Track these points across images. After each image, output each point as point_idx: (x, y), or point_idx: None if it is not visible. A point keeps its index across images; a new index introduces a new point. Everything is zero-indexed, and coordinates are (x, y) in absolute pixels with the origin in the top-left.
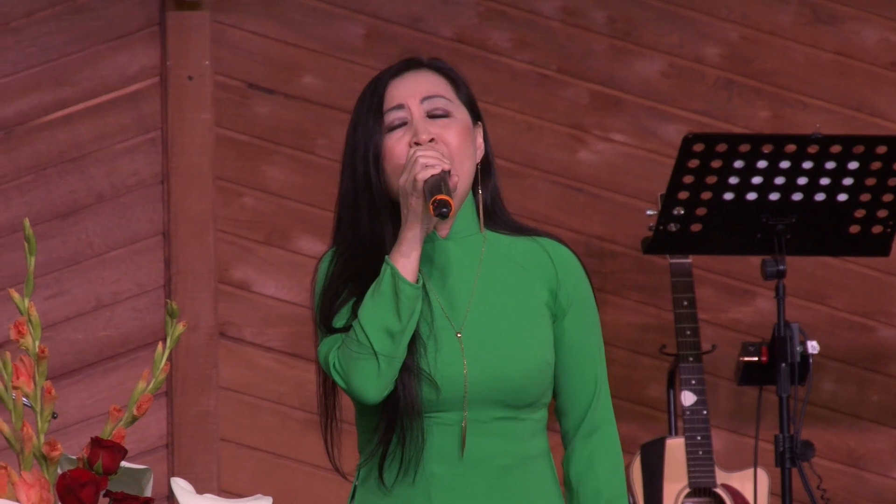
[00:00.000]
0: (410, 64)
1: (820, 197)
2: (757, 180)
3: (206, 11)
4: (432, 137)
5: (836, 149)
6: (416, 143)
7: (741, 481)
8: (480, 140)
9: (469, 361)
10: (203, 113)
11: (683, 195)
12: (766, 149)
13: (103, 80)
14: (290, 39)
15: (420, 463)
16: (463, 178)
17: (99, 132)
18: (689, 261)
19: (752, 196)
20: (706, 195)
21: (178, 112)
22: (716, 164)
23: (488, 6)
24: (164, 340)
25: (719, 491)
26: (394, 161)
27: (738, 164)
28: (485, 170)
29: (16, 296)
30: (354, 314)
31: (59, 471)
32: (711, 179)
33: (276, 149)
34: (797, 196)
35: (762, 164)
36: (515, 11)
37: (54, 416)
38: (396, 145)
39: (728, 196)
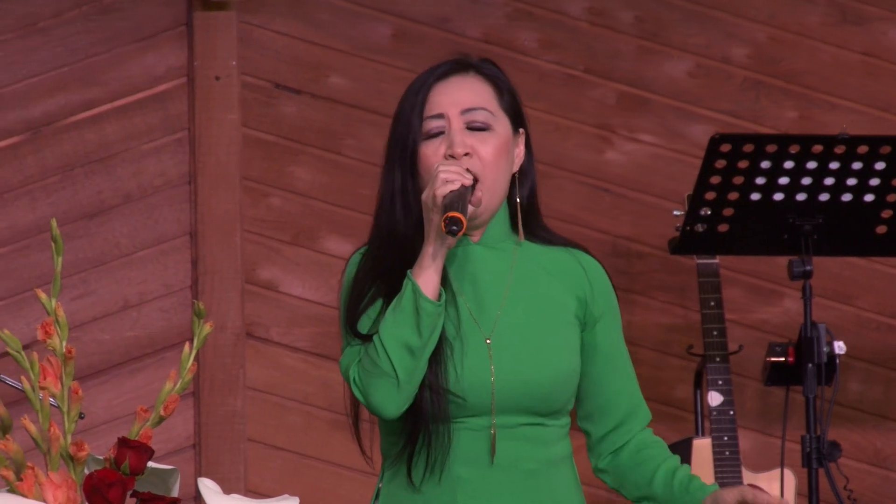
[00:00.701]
0: (458, 66)
1: (847, 197)
2: (784, 181)
3: (233, 12)
4: (467, 151)
5: (862, 149)
6: (450, 156)
7: (768, 482)
8: (521, 149)
9: (497, 368)
10: (230, 113)
11: (710, 196)
12: (793, 149)
13: (131, 81)
14: (317, 39)
15: (446, 465)
16: (496, 191)
17: (126, 132)
18: (716, 261)
19: (778, 196)
20: (733, 196)
21: (205, 112)
22: (743, 164)
23: (516, 7)
24: (191, 341)
25: None
26: (429, 168)
27: (765, 164)
28: (523, 177)
29: (43, 296)
30: (376, 319)
31: (86, 471)
32: (738, 180)
33: (303, 149)
34: (824, 196)
35: (789, 164)
36: (543, 12)
37: (81, 416)
38: (433, 154)
39: (755, 196)
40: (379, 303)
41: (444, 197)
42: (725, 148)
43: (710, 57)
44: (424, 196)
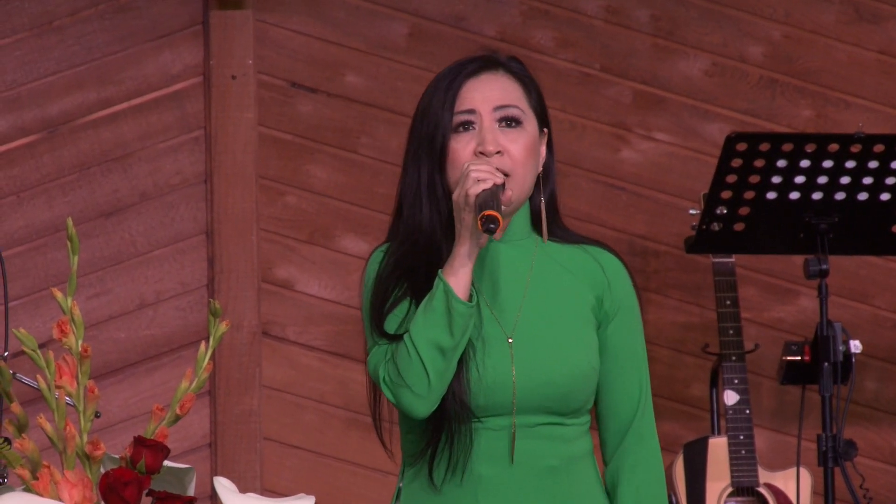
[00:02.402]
0: (488, 63)
1: (863, 196)
2: (800, 179)
3: (249, 10)
4: (499, 150)
5: (879, 148)
6: (481, 153)
7: (784, 480)
8: (544, 149)
9: (518, 367)
10: (246, 112)
11: (726, 194)
12: (809, 148)
13: (147, 79)
14: (333, 38)
15: (468, 464)
16: (522, 189)
17: (142, 131)
18: (731, 260)
19: (794, 195)
20: (749, 194)
21: (221, 111)
22: (759, 163)
23: (531, 5)
24: (207, 339)
25: (762, 490)
26: (457, 165)
27: (781, 163)
28: (545, 177)
29: (59, 295)
30: (403, 320)
31: (102, 470)
32: (754, 178)
33: (319, 148)
34: (840, 195)
35: (805, 163)
36: (558, 10)
37: (97, 415)
38: (463, 150)
39: (771, 195)
40: (405, 302)
41: (477, 196)
42: (741, 147)
43: (725, 55)
44: (455, 195)
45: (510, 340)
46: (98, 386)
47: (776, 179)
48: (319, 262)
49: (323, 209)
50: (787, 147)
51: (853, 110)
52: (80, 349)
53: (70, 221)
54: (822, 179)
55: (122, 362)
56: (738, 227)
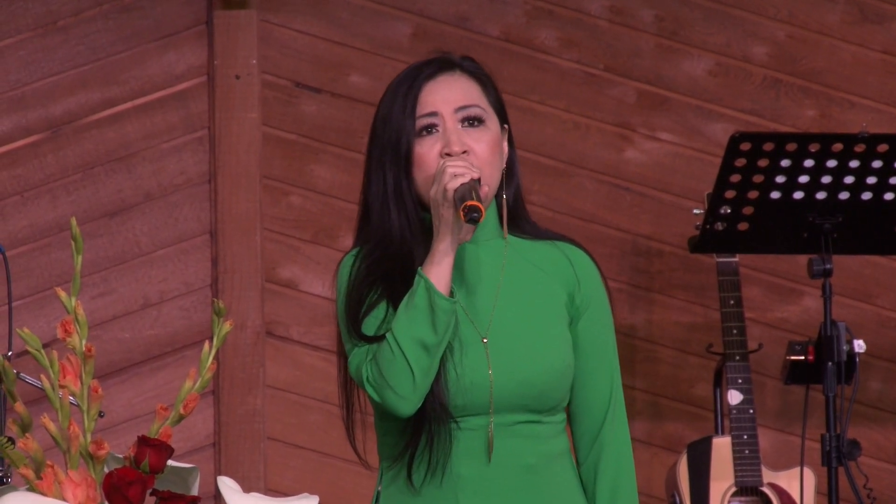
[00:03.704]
0: (444, 65)
1: (867, 196)
2: (804, 179)
3: (253, 10)
4: (465, 150)
5: (882, 148)
6: (447, 154)
7: (788, 480)
8: (506, 145)
9: (494, 367)
10: (250, 112)
11: (730, 194)
12: (813, 148)
13: (151, 79)
14: (338, 38)
15: (447, 465)
16: (492, 187)
17: (146, 131)
18: (735, 260)
19: (798, 195)
20: (753, 194)
21: (225, 111)
22: (763, 163)
23: (536, 5)
24: (211, 339)
25: (766, 490)
26: (423, 169)
27: (785, 163)
28: (508, 173)
29: (63, 294)
30: (382, 322)
31: (106, 469)
32: (758, 178)
33: (323, 148)
34: (844, 195)
35: (809, 163)
36: (563, 10)
37: (101, 414)
38: (428, 153)
39: (775, 195)
40: (382, 306)
41: (456, 190)
42: (745, 146)
43: (729, 55)
44: (433, 192)
45: (485, 341)
46: (102, 385)
47: (780, 179)
48: (323, 261)
49: (327, 209)
50: (791, 147)
51: (857, 110)
52: (83, 349)
53: (74, 221)
54: (826, 179)
55: (125, 362)
56: (742, 226)
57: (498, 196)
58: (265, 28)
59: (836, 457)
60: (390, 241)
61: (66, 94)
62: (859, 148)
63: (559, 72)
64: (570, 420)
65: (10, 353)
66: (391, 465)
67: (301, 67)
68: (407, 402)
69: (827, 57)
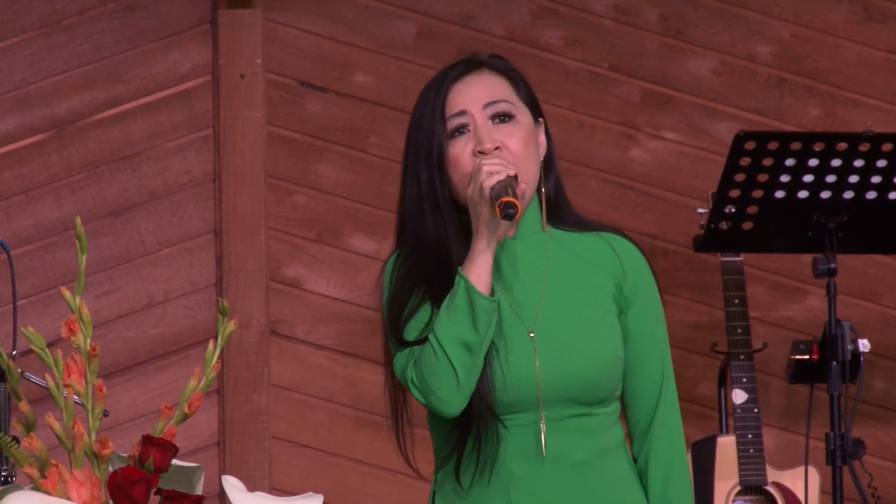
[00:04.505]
0: (470, 65)
1: (871, 195)
2: (808, 178)
3: (258, 9)
4: (497, 146)
5: (887, 147)
6: (481, 152)
7: (792, 479)
8: (542, 138)
9: (542, 361)
10: (255, 111)
11: (735, 193)
12: (818, 147)
13: (155, 78)
14: (342, 37)
15: (496, 464)
16: (529, 182)
17: (151, 130)
18: (740, 259)
19: (803, 194)
20: (757, 193)
21: (229, 110)
22: (767, 162)
23: (540, 4)
24: (216, 338)
25: (770, 489)
26: (458, 169)
27: (790, 162)
28: (547, 166)
29: (67, 293)
30: (425, 325)
31: (111, 468)
32: (763, 177)
33: (328, 147)
34: (848, 194)
35: (813, 162)
36: (567, 9)
37: (106, 413)
38: (461, 153)
39: (779, 194)
40: (424, 308)
41: (492, 188)
42: (750, 146)
43: (734, 55)
44: (469, 191)
45: (532, 335)
46: (106, 384)
47: (785, 178)
48: (328, 261)
49: (331, 208)
50: (796, 146)
51: (862, 109)
52: (88, 348)
53: (78, 220)
54: (831, 178)
55: (130, 361)
56: (747, 225)
57: (538, 190)
58: (270, 27)
59: (841, 456)
60: (427, 244)
61: (70, 94)
62: (864, 147)
63: (564, 71)
64: (624, 410)
65: (14, 353)
66: (443, 464)
67: (306, 66)
68: (452, 402)
69: (832, 56)
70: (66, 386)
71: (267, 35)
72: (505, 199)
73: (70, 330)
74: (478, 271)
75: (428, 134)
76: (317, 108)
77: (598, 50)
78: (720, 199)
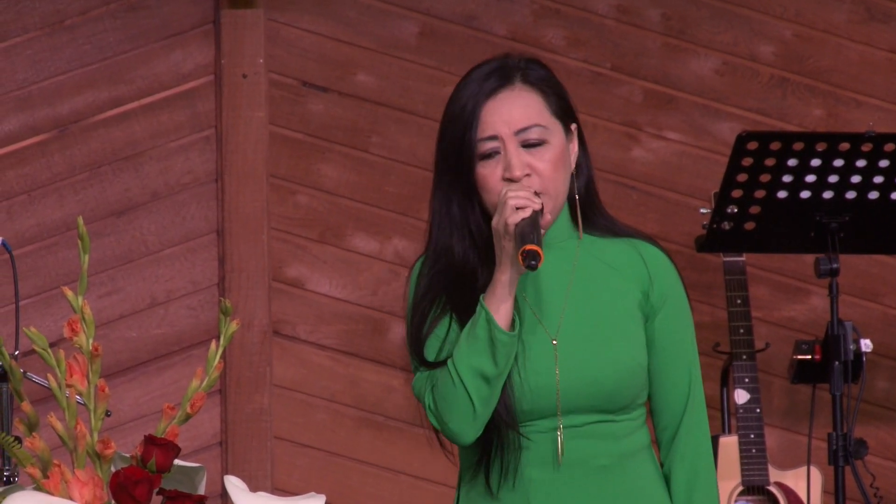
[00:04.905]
0: (504, 79)
1: (873, 195)
2: (811, 178)
3: (260, 9)
4: (527, 172)
5: (889, 147)
6: (510, 179)
7: (794, 479)
8: (574, 144)
9: (562, 369)
10: (257, 111)
11: (737, 193)
12: (820, 147)
13: (158, 78)
14: (345, 37)
15: (519, 469)
16: (558, 200)
17: (153, 130)
18: (742, 259)
19: (805, 194)
20: (760, 193)
21: (232, 110)
22: (769, 162)
23: (543, 4)
24: (218, 338)
25: (772, 489)
26: (488, 189)
27: (792, 162)
28: (577, 171)
29: (70, 294)
30: (443, 341)
31: (113, 469)
32: (765, 178)
33: (331, 147)
34: (851, 194)
35: (816, 162)
36: (570, 9)
37: (108, 413)
38: (490, 175)
39: (782, 194)
40: (443, 323)
41: (517, 226)
42: (752, 146)
43: (736, 55)
44: (494, 222)
45: (554, 342)
46: (109, 384)
47: (787, 178)
48: (330, 261)
49: (334, 208)
50: (798, 146)
51: (864, 109)
52: (90, 348)
53: (81, 220)
54: (833, 178)
55: (132, 361)
56: (749, 226)
57: (570, 197)
58: (272, 27)
59: (843, 456)
60: (450, 258)
61: (73, 94)
62: (866, 147)
63: (566, 71)
64: (651, 417)
65: (17, 353)
66: (468, 469)
67: (308, 66)
68: (467, 430)
69: (834, 56)
70: (69, 386)
71: (269, 35)
72: (528, 247)
73: (72, 330)
74: (499, 304)
75: (457, 152)
76: (319, 107)
77: (600, 50)
78: (722, 199)
